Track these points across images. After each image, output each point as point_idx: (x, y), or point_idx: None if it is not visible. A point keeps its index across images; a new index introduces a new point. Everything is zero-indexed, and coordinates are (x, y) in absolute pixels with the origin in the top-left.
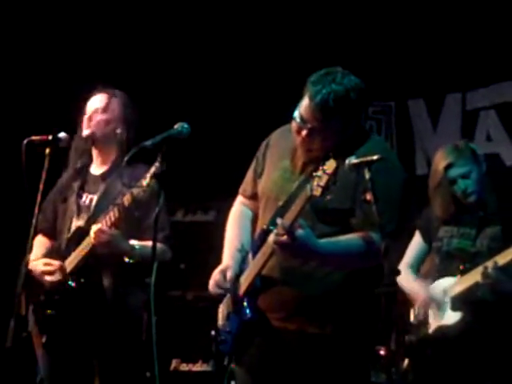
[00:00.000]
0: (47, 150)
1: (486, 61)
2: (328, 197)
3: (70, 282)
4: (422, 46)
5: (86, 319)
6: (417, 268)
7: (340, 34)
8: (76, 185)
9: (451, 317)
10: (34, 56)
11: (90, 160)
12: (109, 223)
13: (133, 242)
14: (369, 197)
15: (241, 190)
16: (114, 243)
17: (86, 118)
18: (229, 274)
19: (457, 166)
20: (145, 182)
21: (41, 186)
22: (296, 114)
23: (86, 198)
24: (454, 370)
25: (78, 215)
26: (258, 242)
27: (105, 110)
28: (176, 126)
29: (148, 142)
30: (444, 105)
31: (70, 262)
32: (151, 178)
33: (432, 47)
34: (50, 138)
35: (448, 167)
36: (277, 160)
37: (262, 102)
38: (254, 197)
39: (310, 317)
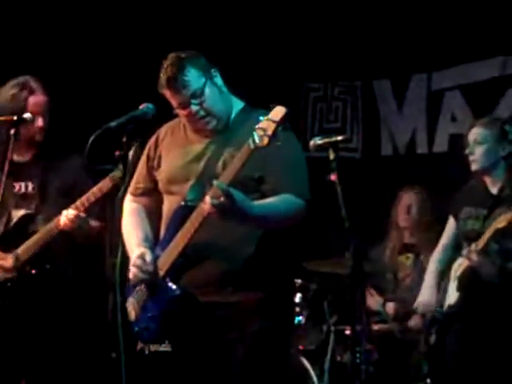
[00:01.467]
0: (12, 131)
1: (452, 41)
2: (278, 143)
3: (32, 271)
4: (387, 26)
5: (46, 303)
6: (452, 247)
7: (306, 14)
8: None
9: (454, 297)
10: None
11: (7, 148)
12: (82, 208)
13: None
14: (333, 177)
15: (131, 190)
16: (86, 226)
17: (37, 126)
18: (148, 257)
19: (475, 130)
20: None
21: (5, 167)
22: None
23: (20, 187)
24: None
25: (17, 205)
26: (176, 221)
27: (47, 111)
28: (141, 107)
29: (113, 123)
30: (409, 85)
31: (26, 250)
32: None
33: (398, 27)
34: (15, 118)
35: (469, 128)
36: (173, 149)
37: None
38: (147, 193)
39: (235, 288)
